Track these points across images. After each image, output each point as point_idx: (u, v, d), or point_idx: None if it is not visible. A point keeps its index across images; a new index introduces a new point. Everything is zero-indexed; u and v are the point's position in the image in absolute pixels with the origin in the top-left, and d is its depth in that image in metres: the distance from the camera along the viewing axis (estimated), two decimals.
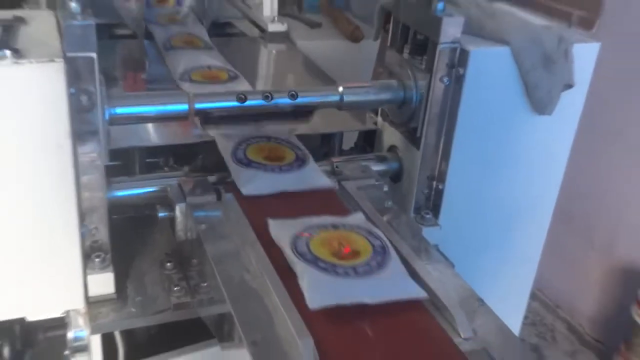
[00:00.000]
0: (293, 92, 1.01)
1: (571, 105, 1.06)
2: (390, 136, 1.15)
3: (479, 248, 1.12)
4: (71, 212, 0.81)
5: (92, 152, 0.81)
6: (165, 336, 0.97)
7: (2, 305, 0.83)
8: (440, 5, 0.96)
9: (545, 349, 2.14)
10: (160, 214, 0.92)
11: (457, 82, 0.99)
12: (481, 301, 0.81)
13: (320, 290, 0.72)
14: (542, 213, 1.18)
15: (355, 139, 1.27)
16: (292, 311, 0.69)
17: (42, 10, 1.02)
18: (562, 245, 2.13)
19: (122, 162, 1.02)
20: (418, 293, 0.76)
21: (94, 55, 0.77)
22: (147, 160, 1.06)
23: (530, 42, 0.99)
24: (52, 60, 0.73)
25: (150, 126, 1.08)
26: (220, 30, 1.70)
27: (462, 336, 0.74)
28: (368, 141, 1.23)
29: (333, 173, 1.05)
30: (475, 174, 1.07)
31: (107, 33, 1.55)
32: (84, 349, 0.83)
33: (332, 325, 0.70)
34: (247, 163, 0.96)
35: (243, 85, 1.22)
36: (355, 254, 0.79)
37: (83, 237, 0.83)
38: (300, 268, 0.75)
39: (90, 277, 0.85)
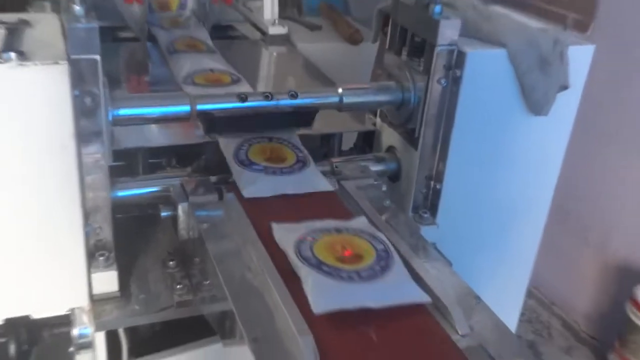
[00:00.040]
0: (293, 92, 1.01)
1: (566, 106, 1.07)
2: (389, 137, 1.16)
3: (476, 246, 1.13)
4: (75, 211, 0.81)
5: (96, 152, 0.82)
6: (168, 333, 0.97)
7: (8, 303, 0.84)
8: (437, 9, 0.97)
9: (541, 346, 2.16)
10: (163, 214, 0.93)
11: (454, 83, 1.00)
12: (478, 298, 0.82)
13: (325, 294, 0.72)
14: (537, 212, 1.18)
15: (354, 139, 1.28)
16: (292, 309, 0.70)
17: (46, 14, 1.03)
18: (557, 243, 2.14)
19: (126, 163, 1.03)
20: (422, 297, 0.76)
21: (97, 57, 0.77)
22: (150, 160, 1.07)
23: (526, 45, 1.00)
24: (57, 63, 0.74)
25: (153, 127, 1.08)
26: (222, 33, 1.71)
27: (459, 333, 0.74)
28: (367, 142, 1.23)
29: (333, 173, 1.06)
30: (472, 174, 1.07)
31: (110, 36, 1.55)
32: (88, 345, 0.84)
33: (334, 326, 0.70)
34: (249, 164, 0.96)
35: (245, 88, 1.22)
36: (358, 258, 0.79)
37: (87, 236, 0.84)
38: (305, 272, 0.75)
39: (94, 275, 0.86)
